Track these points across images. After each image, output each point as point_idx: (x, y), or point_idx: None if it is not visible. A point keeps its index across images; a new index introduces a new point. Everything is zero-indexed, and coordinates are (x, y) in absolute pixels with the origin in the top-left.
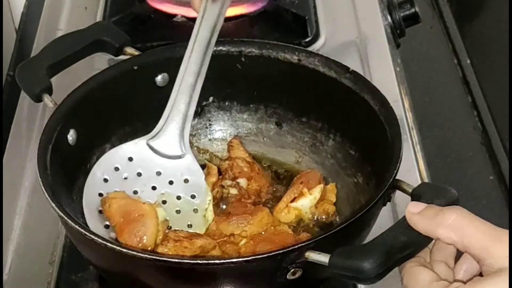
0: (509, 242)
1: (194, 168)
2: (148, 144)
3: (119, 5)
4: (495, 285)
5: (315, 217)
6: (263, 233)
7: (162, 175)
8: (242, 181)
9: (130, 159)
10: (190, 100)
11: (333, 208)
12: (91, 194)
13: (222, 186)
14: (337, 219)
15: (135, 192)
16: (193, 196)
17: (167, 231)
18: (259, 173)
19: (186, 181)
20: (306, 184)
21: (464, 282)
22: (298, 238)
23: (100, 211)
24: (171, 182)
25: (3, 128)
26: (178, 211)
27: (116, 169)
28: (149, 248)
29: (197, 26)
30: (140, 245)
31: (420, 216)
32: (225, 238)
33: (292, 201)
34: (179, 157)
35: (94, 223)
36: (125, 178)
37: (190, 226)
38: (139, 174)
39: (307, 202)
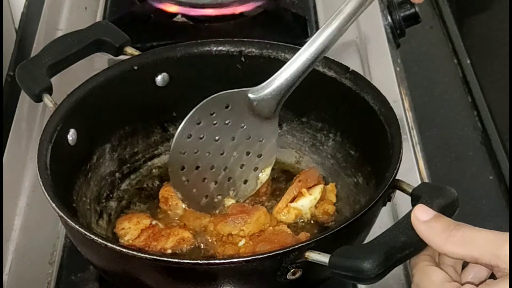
0: (509, 242)
1: (273, 133)
2: (248, 96)
3: (119, 5)
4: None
5: (315, 217)
6: (262, 233)
7: (244, 129)
8: None
9: (227, 106)
10: (306, 66)
11: (333, 208)
12: (182, 135)
13: None
14: (337, 219)
15: (216, 140)
16: (259, 156)
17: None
18: None
19: (261, 140)
20: (304, 183)
21: (476, 285)
22: (297, 238)
23: (184, 153)
24: (248, 138)
25: (3, 128)
26: (242, 166)
27: (212, 114)
28: None
29: (345, 3)
30: None
31: (427, 227)
32: (224, 238)
33: (292, 201)
34: (267, 118)
35: (175, 161)
36: (215, 124)
37: (245, 182)
38: (227, 123)
39: (307, 202)
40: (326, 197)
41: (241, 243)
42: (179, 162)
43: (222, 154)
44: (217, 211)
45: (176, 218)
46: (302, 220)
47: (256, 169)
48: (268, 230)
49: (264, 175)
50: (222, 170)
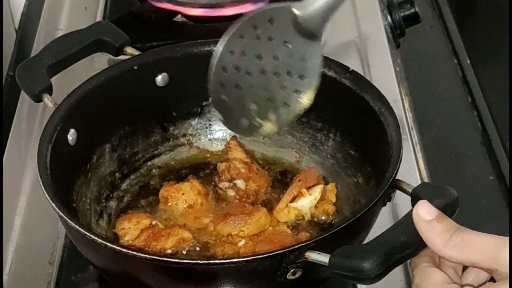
0: (509, 242)
1: (317, 53)
2: (293, 12)
3: (119, 5)
4: None
5: (315, 217)
6: (262, 233)
7: (287, 47)
8: (240, 182)
9: (271, 21)
10: None
11: (333, 208)
12: (226, 50)
13: (220, 188)
14: (337, 219)
15: (258, 57)
16: (301, 77)
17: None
18: (258, 174)
19: (303, 60)
20: (304, 182)
21: (476, 287)
22: (297, 238)
23: (225, 69)
24: (291, 56)
25: (3, 128)
26: (283, 87)
27: (255, 27)
28: None
29: None
30: None
31: (428, 226)
32: (223, 238)
33: (292, 201)
34: (311, 37)
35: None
36: (257, 38)
37: (286, 105)
38: (270, 39)
39: (307, 202)
40: (326, 197)
41: (240, 243)
42: (220, 79)
43: (263, 73)
44: (256, 137)
45: (176, 218)
46: (302, 220)
47: (297, 91)
48: (268, 230)
49: (306, 99)
50: (262, 89)
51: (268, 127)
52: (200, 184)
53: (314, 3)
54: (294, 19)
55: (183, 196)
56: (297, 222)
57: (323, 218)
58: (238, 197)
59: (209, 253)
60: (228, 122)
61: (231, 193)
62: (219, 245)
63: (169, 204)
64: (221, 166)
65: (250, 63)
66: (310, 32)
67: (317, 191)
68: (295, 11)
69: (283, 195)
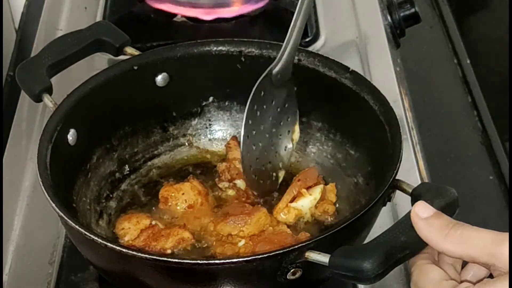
0: (509, 242)
1: (292, 93)
2: (272, 73)
3: (119, 5)
4: (505, 286)
5: (315, 217)
6: (262, 233)
7: (274, 104)
8: (239, 182)
9: (261, 92)
10: (302, 26)
11: (333, 208)
12: (246, 137)
13: (220, 188)
14: (337, 219)
15: (262, 128)
16: (287, 119)
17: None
18: None
19: (286, 105)
20: (303, 182)
21: (473, 283)
22: (297, 238)
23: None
24: (277, 109)
25: (3, 128)
26: (280, 135)
27: (256, 109)
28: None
29: None
30: None
31: (426, 224)
32: (223, 238)
33: (292, 201)
34: (284, 84)
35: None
36: (258, 115)
37: (285, 148)
38: (265, 108)
39: (307, 202)
40: (326, 197)
41: (240, 243)
42: (248, 163)
43: (267, 135)
44: (277, 192)
45: (176, 218)
46: (302, 220)
47: (288, 132)
48: (268, 230)
49: (296, 133)
50: (271, 149)
51: (281, 174)
52: (200, 184)
53: (283, 56)
54: (275, 79)
55: (183, 196)
56: (297, 222)
57: (323, 218)
58: (238, 197)
59: (209, 253)
60: (261, 193)
61: (231, 193)
62: (219, 245)
63: (169, 204)
64: (221, 166)
65: (259, 135)
66: (284, 79)
67: (317, 191)
68: (274, 71)
69: (283, 195)
